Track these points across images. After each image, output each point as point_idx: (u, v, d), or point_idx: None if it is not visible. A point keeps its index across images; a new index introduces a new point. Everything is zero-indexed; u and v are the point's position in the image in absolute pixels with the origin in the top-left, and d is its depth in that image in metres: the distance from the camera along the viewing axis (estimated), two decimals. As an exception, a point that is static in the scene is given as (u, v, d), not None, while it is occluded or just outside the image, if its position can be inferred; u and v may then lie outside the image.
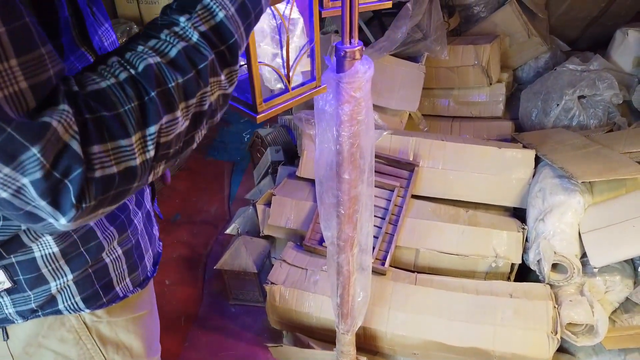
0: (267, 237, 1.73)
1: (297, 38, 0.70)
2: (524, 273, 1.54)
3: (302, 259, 1.50)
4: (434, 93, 2.22)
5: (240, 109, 0.69)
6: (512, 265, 1.50)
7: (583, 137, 1.71)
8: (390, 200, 1.57)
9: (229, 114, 2.97)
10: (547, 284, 1.40)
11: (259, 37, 0.66)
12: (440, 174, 1.65)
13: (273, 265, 1.51)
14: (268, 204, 1.66)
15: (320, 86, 0.73)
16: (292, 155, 2.04)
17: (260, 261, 1.63)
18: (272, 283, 1.42)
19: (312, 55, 0.71)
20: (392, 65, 1.83)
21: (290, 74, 0.69)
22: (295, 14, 0.68)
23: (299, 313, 1.42)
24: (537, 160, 1.64)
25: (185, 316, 1.69)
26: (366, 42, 1.83)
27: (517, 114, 2.17)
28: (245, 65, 0.63)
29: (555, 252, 1.37)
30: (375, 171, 1.65)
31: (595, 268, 1.35)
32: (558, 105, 1.92)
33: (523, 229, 1.51)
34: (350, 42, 0.79)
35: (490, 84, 2.11)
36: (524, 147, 1.69)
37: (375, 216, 1.56)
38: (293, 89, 0.70)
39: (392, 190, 1.59)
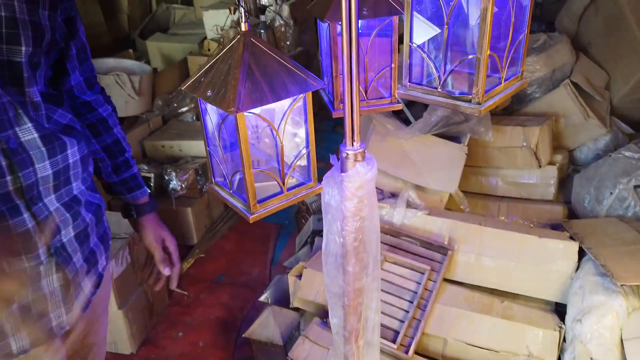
0: (297, 309, 1.74)
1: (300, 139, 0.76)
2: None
3: (325, 337, 1.50)
4: (482, 171, 2.19)
5: (237, 208, 0.75)
6: (548, 366, 1.40)
7: (636, 232, 1.60)
8: (420, 284, 1.55)
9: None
10: (584, 392, 1.29)
11: (255, 141, 0.73)
12: (476, 259, 1.61)
13: (296, 341, 1.52)
14: (299, 275, 1.69)
15: (316, 187, 0.78)
16: (332, 226, 2.07)
17: (288, 333, 1.65)
18: (291, 359, 1.43)
19: (308, 159, 0.76)
20: (433, 144, 1.85)
21: (285, 179, 0.74)
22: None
23: (316, 393, 1.40)
24: (583, 253, 1.56)
25: (212, 381, 1.72)
26: (407, 122, 1.87)
27: (571, 197, 2.08)
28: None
29: (591, 359, 1.27)
30: (407, 251, 1.65)
31: (638, 381, 1.24)
32: (612, 194, 1.83)
33: (560, 327, 1.42)
34: (352, 144, 0.83)
35: (540, 166, 2.06)
36: (571, 237, 1.62)
37: (403, 299, 1.54)
38: (289, 189, 0.75)
39: (423, 274, 1.57)
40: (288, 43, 2.98)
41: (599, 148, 2.25)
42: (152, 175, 2.30)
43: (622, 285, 1.32)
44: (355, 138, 0.83)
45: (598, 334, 1.31)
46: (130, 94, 2.53)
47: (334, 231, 0.94)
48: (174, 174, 2.30)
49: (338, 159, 0.87)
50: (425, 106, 2.00)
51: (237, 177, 0.74)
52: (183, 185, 2.30)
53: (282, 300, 1.84)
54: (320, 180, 0.84)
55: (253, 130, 0.75)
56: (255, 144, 0.78)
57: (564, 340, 1.41)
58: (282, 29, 2.92)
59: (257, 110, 0.68)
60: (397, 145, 1.84)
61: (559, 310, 1.55)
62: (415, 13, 0.69)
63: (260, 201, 0.73)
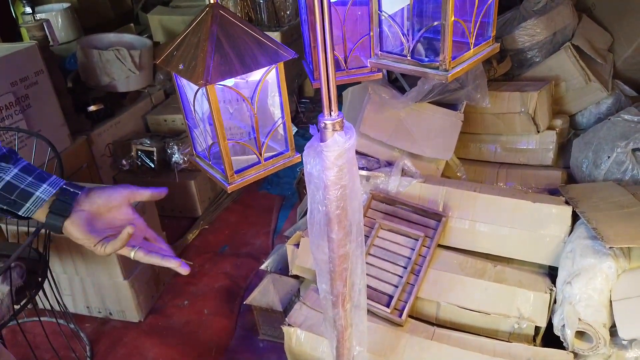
0: (297, 277, 1.79)
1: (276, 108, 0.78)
2: (555, 339, 1.46)
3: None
4: (481, 138, 2.19)
5: (216, 178, 0.77)
6: (538, 328, 1.43)
7: (631, 196, 1.60)
8: (414, 250, 1.58)
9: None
10: (572, 352, 1.32)
11: (236, 114, 0.75)
12: (470, 225, 1.63)
13: (294, 307, 1.56)
14: (297, 244, 1.73)
15: (294, 156, 0.80)
16: (332, 196, 2.10)
17: (287, 299, 1.70)
18: (289, 324, 1.48)
19: (284, 129, 0.78)
20: (428, 112, 1.85)
21: (262, 149, 0.76)
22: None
23: (313, 357, 1.46)
24: (578, 216, 1.57)
25: (216, 347, 1.79)
26: (403, 91, 1.87)
27: (569, 162, 2.07)
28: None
29: (580, 319, 1.30)
30: (402, 219, 1.67)
31: (624, 340, 1.26)
32: (609, 157, 1.82)
33: (551, 290, 1.45)
34: (330, 114, 0.85)
35: (539, 131, 2.05)
36: (566, 201, 1.63)
37: (397, 265, 1.58)
38: (266, 159, 0.78)
39: (417, 240, 1.59)
40: (288, 12, 2.95)
41: (600, 112, 2.23)
42: (154, 149, 2.33)
43: (611, 247, 1.33)
44: (333, 108, 0.84)
45: (587, 296, 1.33)
46: (131, 69, 2.54)
47: (317, 200, 0.96)
48: (176, 147, 2.33)
49: (318, 129, 0.89)
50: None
51: (216, 148, 0.76)
52: (185, 158, 2.33)
53: (283, 268, 1.89)
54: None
55: (231, 103, 0.77)
56: (237, 116, 0.80)
57: (555, 302, 1.44)
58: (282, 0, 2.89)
59: (230, 82, 0.70)
60: (392, 114, 1.84)
61: (552, 274, 1.57)
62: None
63: (238, 171, 0.75)
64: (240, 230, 2.42)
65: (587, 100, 2.21)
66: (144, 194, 0.81)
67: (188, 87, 0.73)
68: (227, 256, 2.25)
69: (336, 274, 1.01)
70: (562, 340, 1.36)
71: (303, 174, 2.36)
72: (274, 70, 0.73)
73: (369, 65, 0.83)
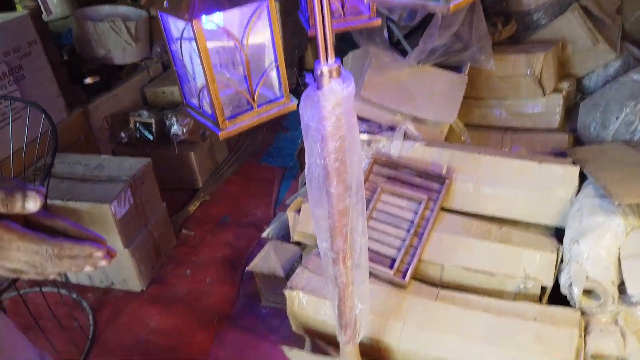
0: (298, 243, 1.77)
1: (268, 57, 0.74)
2: (563, 297, 1.44)
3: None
4: (485, 103, 2.14)
5: (207, 126, 0.74)
6: (545, 287, 1.41)
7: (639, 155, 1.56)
8: (417, 213, 1.55)
9: (288, 119, 3.07)
10: (579, 310, 1.30)
11: (227, 62, 0.71)
12: (474, 188, 1.60)
13: (295, 271, 1.55)
14: (299, 210, 1.70)
15: (289, 103, 0.76)
16: (333, 164, 2.07)
17: (289, 266, 1.68)
18: (291, 288, 1.47)
19: (277, 73, 0.74)
20: (431, 75, 1.80)
21: (254, 94, 0.73)
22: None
23: (315, 320, 1.45)
24: (585, 178, 1.53)
25: (219, 314, 1.78)
26: (405, 54, 1.81)
27: (577, 126, 2.03)
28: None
29: (587, 277, 1.28)
30: (404, 182, 1.64)
31: (633, 297, 1.24)
32: (618, 118, 1.77)
33: (558, 249, 1.42)
34: (327, 61, 0.81)
35: (545, 94, 2.00)
36: (573, 162, 1.59)
37: (400, 228, 1.55)
38: (259, 106, 0.74)
39: (420, 203, 1.56)
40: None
41: (608, 74, 2.17)
42: (152, 121, 2.30)
43: (619, 204, 1.30)
44: (330, 54, 0.81)
45: (595, 254, 1.30)
46: (127, 41, 2.49)
47: (315, 153, 0.93)
48: (174, 118, 2.29)
49: (314, 77, 0.85)
50: (422, 35, 1.93)
51: (207, 96, 0.73)
52: (184, 130, 2.30)
53: (284, 236, 1.87)
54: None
55: (222, 51, 0.73)
56: (229, 65, 0.76)
57: (561, 261, 1.42)
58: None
59: (218, 21, 0.66)
60: (394, 78, 1.79)
61: (559, 234, 1.54)
62: None
63: (230, 118, 0.72)
64: (241, 202, 2.40)
65: (595, 63, 2.16)
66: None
67: (174, 28, 0.69)
68: (228, 227, 2.23)
69: (336, 231, 0.98)
70: (569, 299, 1.34)
71: (303, 143, 2.33)
72: (265, 11, 0.69)
73: (365, 1, 0.79)
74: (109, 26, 2.44)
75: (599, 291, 1.28)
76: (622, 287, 1.29)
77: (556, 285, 1.41)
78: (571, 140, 2.00)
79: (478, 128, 2.14)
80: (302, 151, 2.36)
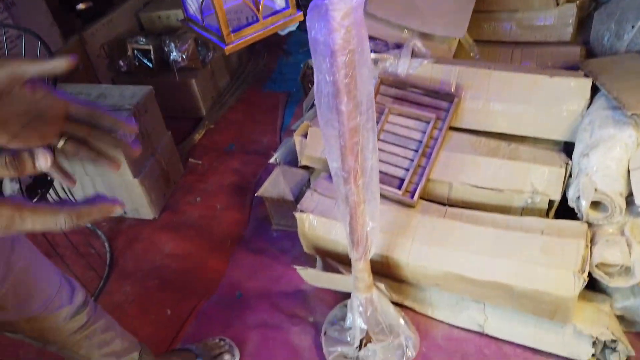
0: (306, 168, 1.77)
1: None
2: (570, 211, 1.45)
3: (332, 189, 1.54)
4: (495, 16, 2.05)
5: (211, 40, 0.71)
6: (552, 202, 1.42)
7: (655, 64, 1.51)
8: (425, 133, 1.54)
9: (289, 44, 2.97)
10: (586, 222, 1.32)
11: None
12: (484, 105, 1.57)
13: (305, 194, 1.56)
14: (305, 135, 1.69)
15: (295, 14, 0.73)
16: (338, 86, 2.02)
17: (298, 189, 1.70)
18: (301, 211, 1.49)
19: (284, -17, 0.70)
20: (440, -13, 1.71)
21: (259, 5, 0.69)
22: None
23: (326, 240, 1.48)
24: (597, 91, 1.50)
25: (232, 238, 1.83)
26: (412, -37, 1.71)
27: (590, 38, 1.95)
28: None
29: (596, 189, 1.28)
30: (412, 102, 1.61)
31: (640, 208, 1.25)
32: (634, 27, 1.69)
33: (567, 164, 1.42)
34: (334, -34, 0.76)
35: (558, 4, 1.90)
36: (585, 75, 1.54)
37: (408, 148, 1.54)
38: (265, 17, 0.71)
39: (428, 123, 1.54)
40: None
41: (625, -20, 2.05)
42: (151, 47, 2.23)
43: (632, 115, 1.28)
44: (337, -43, 0.76)
45: (604, 166, 1.30)
46: (116, -39, 2.36)
47: (324, 69, 0.90)
48: (173, 44, 2.22)
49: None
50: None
51: (209, 10, 0.69)
52: (184, 56, 2.24)
53: (292, 161, 1.87)
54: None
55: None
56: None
57: (570, 176, 1.42)
58: None
59: None
60: (400, -9, 1.71)
61: (568, 150, 1.53)
62: None
63: (235, 30, 0.69)
64: (246, 129, 2.38)
65: (612, -32, 2.03)
66: (34, 67, 0.52)
67: None
68: (234, 154, 2.23)
69: (347, 149, 0.98)
70: (576, 211, 1.35)
71: (308, 68, 2.26)
72: None
73: None
74: (96, -54, 2.30)
75: (607, 203, 1.28)
76: (629, 199, 1.30)
77: (562, 200, 1.43)
78: (583, 53, 1.93)
79: (487, 44, 2.06)
80: (305, 75, 2.30)
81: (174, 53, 2.23)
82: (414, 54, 1.65)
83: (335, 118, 0.94)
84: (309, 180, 1.76)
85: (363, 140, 0.98)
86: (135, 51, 2.24)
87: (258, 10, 0.69)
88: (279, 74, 2.72)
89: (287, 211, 1.75)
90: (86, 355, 1.05)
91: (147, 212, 1.91)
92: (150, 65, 2.25)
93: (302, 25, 0.81)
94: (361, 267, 1.22)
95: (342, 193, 1.07)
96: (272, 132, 2.33)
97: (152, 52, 2.23)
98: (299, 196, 1.69)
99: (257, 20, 0.69)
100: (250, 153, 2.22)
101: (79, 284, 1.02)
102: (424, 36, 1.73)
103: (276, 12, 0.71)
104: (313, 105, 2.09)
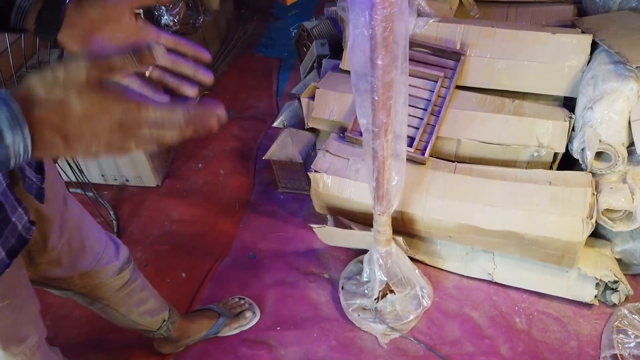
0: (311, 130, 1.79)
1: None
2: (570, 163, 1.53)
3: (344, 149, 1.56)
4: (489, -24, 2.07)
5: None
6: (556, 155, 1.49)
7: (650, 20, 1.57)
8: (433, 92, 1.57)
9: (276, 7, 2.92)
10: (590, 172, 1.39)
11: None
12: (488, 63, 1.60)
13: (317, 155, 1.58)
14: (312, 97, 1.70)
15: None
16: (338, 49, 2.02)
17: (306, 152, 1.72)
18: (315, 171, 1.51)
19: None
20: (441, -55, 1.71)
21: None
22: None
23: (340, 199, 1.51)
24: (595, 47, 1.55)
25: (239, 202, 1.84)
26: None
27: (582, -4, 2.00)
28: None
29: (600, 140, 1.35)
30: (419, 62, 1.64)
31: (641, 156, 1.33)
32: (627, -16, 1.75)
33: (570, 117, 1.48)
34: None
35: (553, -38, 1.93)
36: (583, 32, 1.59)
37: (417, 107, 1.58)
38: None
39: (436, 81, 1.57)
40: None
41: (614, -61, 2.09)
42: (141, 11, 2.16)
43: (634, 69, 1.34)
44: None
45: (608, 118, 1.37)
46: None
47: (361, 24, 0.91)
48: (163, 8, 2.16)
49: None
50: None
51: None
52: (175, 20, 2.18)
53: (295, 124, 1.88)
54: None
55: None
56: None
57: (573, 129, 1.48)
58: None
59: None
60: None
61: (568, 105, 1.60)
62: None
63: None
64: (241, 94, 2.36)
65: None
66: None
67: None
68: (232, 120, 2.21)
69: (380, 104, 1.00)
70: (581, 162, 1.42)
71: (303, 31, 2.25)
72: None
73: None
74: None
75: (610, 152, 1.36)
76: (630, 149, 1.37)
77: (565, 153, 1.49)
78: (575, 12, 1.98)
79: (483, 3, 2.09)
80: (300, 39, 2.28)
81: (165, 17, 2.17)
82: (419, 14, 1.66)
83: (370, 73, 0.96)
84: (315, 143, 1.78)
85: (395, 94, 1.00)
86: None
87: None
88: (269, 39, 2.69)
89: (294, 174, 1.77)
90: (126, 314, 1.07)
91: (150, 179, 1.89)
92: (141, 30, 2.19)
93: None
94: (384, 220, 1.26)
95: (370, 148, 1.10)
96: (268, 97, 2.32)
97: (142, 15, 2.16)
98: (307, 158, 1.71)
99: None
100: (248, 118, 2.21)
101: (121, 241, 1.03)
102: (426, -5, 1.74)
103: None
104: (312, 69, 2.09)
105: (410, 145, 1.51)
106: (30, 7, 0.60)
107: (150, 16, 2.21)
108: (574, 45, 1.54)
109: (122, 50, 0.45)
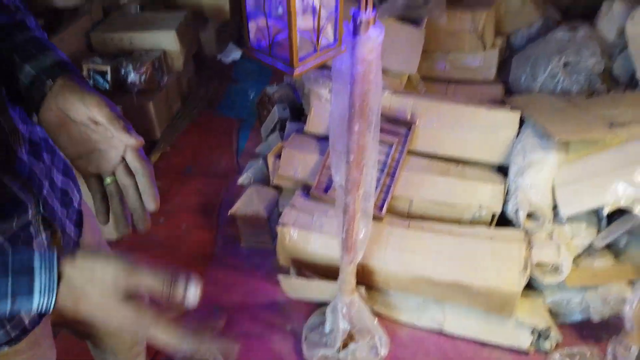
0: (275, 187, 1.90)
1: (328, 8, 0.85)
2: (504, 223, 1.73)
3: (309, 205, 1.68)
4: (432, 56, 2.36)
5: (277, 67, 0.85)
6: (494, 215, 1.69)
7: (565, 101, 1.88)
8: (389, 155, 1.75)
9: (237, 71, 3.09)
10: (522, 230, 1.59)
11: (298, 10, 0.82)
12: (435, 132, 1.82)
13: (281, 212, 1.69)
14: (278, 156, 1.83)
15: (340, 48, 0.89)
16: (297, 113, 2.19)
17: (270, 208, 1.82)
18: (283, 225, 1.61)
19: (335, 24, 0.86)
20: (394, 28, 1.96)
21: (319, 39, 0.84)
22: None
23: (305, 251, 1.61)
24: (522, 122, 1.81)
25: (201, 256, 1.89)
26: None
27: (508, 78, 2.32)
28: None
29: (530, 203, 1.57)
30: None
31: (563, 217, 1.55)
32: (545, 71, 2.08)
33: (505, 182, 1.70)
34: (365, 11, 0.94)
35: (485, 49, 2.25)
36: (512, 109, 1.86)
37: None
38: (320, 50, 0.86)
39: (391, 146, 1.76)
40: None
41: (532, 33, 2.47)
42: (108, 68, 2.24)
43: (555, 141, 1.59)
44: (369, 3, 0.93)
45: (536, 184, 1.59)
46: (69, -18, 2.35)
47: (342, 95, 1.07)
48: (131, 66, 2.25)
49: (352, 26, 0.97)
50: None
51: (276, 38, 0.83)
52: (142, 79, 2.27)
53: (260, 181, 1.98)
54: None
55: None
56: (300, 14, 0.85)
57: (507, 193, 1.70)
58: None
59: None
60: (360, 30, 1.93)
61: (502, 171, 1.83)
62: None
63: (300, 59, 0.83)
64: (202, 152, 2.44)
65: (522, 22, 2.45)
66: None
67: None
68: (193, 176, 2.29)
69: (354, 164, 1.14)
70: (514, 222, 1.62)
71: (264, 94, 2.41)
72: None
73: None
74: (49, -34, 2.29)
75: (539, 213, 1.57)
76: (556, 210, 1.60)
77: (501, 213, 1.70)
78: (503, 91, 2.29)
79: (425, 80, 2.36)
80: (261, 101, 2.44)
81: (132, 75, 2.26)
82: (375, 86, 1.87)
83: (347, 137, 1.10)
84: (278, 200, 1.89)
85: (367, 157, 1.15)
86: (92, 72, 2.24)
87: (318, 44, 0.84)
88: (229, 100, 2.83)
89: (258, 229, 1.85)
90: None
91: (109, 232, 1.89)
92: (107, 86, 2.26)
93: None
94: (351, 270, 1.37)
95: (342, 203, 1.23)
96: (228, 155, 2.42)
97: (108, 72, 2.24)
98: (270, 214, 1.81)
99: (315, 52, 0.84)
100: (209, 175, 2.29)
101: None
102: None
103: (328, 46, 0.87)
104: (273, 129, 2.23)
105: (369, 202, 1.66)
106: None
107: (117, 74, 2.29)
108: (506, 119, 1.80)
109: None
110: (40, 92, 0.58)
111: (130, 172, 0.60)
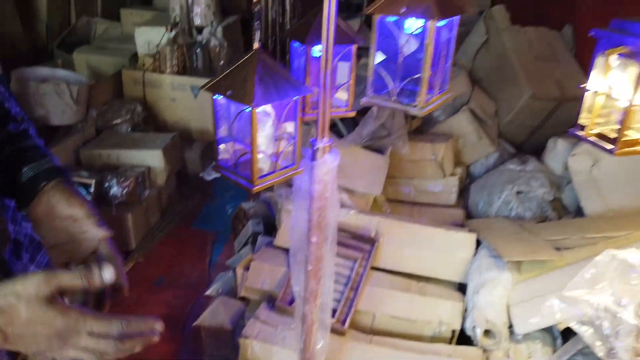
0: (242, 299, 1.93)
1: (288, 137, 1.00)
2: (465, 339, 1.77)
3: (273, 317, 1.71)
4: (398, 182, 2.56)
5: (240, 183, 0.97)
6: (454, 331, 1.73)
7: (517, 226, 2.03)
8: (353, 269, 1.83)
9: (215, 187, 3.25)
10: (481, 347, 1.63)
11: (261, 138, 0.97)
12: (397, 249, 1.93)
13: (246, 323, 1.71)
14: (247, 268, 1.89)
15: (298, 169, 1.03)
16: (270, 228, 2.29)
17: (235, 320, 1.83)
18: (245, 337, 1.62)
19: (294, 148, 1.01)
20: (361, 155, 2.17)
21: (279, 161, 0.98)
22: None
23: (267, 364, 1.61)
24: (479, 243, 1.94)
25: (162, 369, 1.85)
26: (340, 134, 2.18)
27: (468, 203, 2.51)
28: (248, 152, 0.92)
29: (487, 321, 1.63)
30: (341, 244, 1.93)
31: (519, 335, 1.60)
32: (499, 198, 2.26)
33: (464, 300, 1.77)
34: (322, 140, 1.10)
35: (445, 176, 2.46)
36: (470, 231, 2.00)
37: (339, 283, 1.81)
38: (280, 170, 0.99)
39: (356, 261, 1.85)
40: (222, 63, 3.19)
41: (489, 163, 2.72)
42: (92, 181, 2.37)
43: (508, 261, 1.70)
44: (325, 134, 1.10)
45: (491, 302, 1.67)
46: (68, 103, 2.58)
47: (302, 210, 1.19)
48: (115, 180, 2.39)
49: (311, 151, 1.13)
50: (353, 123, 2.33)
51: (241, 159, 0.96)
52: (124, 192, 2.40)
53: (228, 293, 2.02)
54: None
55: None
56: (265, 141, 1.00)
57: (466, 310, 1.76)
58: (217, 50, 3.14)
59: (267, 107, 0.92)
60: (330, 155, 2.13)
61: (461, 288, 1.91)
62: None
63: (259, 178, 0.96)
64: (175, 264, 2.49)
65: (479, 154, 2.70)
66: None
67: (232, 109, 0.93)
68: (164, 288, 2.31)
69: (311, 274, 1.22)
70: (472, 339, 1.67)
71: (239, 210, 2.53)
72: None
73: (362, 103, 1.09)
74: (53, 88, 2.53)
75: (495, 331, 1.62)
76: (511, 328, 1.66)
77: (461, 331, 1.75)
78: (464, 215, 2.46)
79: (391, 202, 2.53)
80: (237, 216, 2.56)
81: (115, 188, 2.39)
82: (342, 205, 2.01)
83: (305, 248, 1.20)
84: (244, 311, 1.91)
85: (324, 268, 1.24)
86: (76, 185, 2.36)
87: (277, 164, 0.97)
88: (206, 214, 2.95)
89: (222, 340, 1.85)
90: None
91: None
92: (89, 197, 2.37)
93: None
94: (309, 384, 1.37)
95: (300, 313, 1.28)
96: (201, 267, 2.47)
97: (93, 186, 2.36)
98: (235, 326, 1.82)
99: (275, 171, 0.98)
100: (180, 287, 2.31)
101: None
102: (348, 191, 2.13)
103: (287, 167, 1.00)
104: (246, 243, 2.32)
105: (332, 316, 1.70)
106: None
107: (99, 187, 2.42)
108: (463, 240, 1.92)
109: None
110: (35, 189, 0.72)
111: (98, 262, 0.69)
